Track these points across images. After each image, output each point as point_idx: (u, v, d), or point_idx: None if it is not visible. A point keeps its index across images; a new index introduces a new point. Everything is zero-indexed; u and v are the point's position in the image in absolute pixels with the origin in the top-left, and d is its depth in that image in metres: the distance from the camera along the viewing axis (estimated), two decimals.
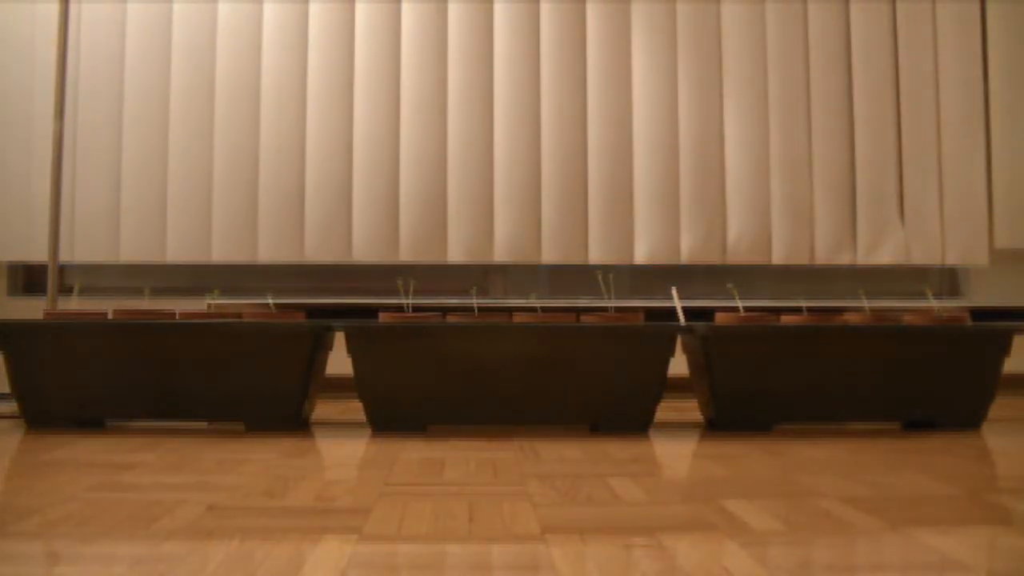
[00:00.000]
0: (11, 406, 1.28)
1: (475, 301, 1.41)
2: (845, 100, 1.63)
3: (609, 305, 1.33)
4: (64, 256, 1.53)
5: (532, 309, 1.36)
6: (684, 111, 1.65)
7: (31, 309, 1.56)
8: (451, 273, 1.73)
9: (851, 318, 1.19)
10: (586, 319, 1.19)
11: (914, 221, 1.61)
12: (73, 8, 1.54)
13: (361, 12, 1.59)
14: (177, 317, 1.14)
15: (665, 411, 1.37)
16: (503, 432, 1.10)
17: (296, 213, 1.64)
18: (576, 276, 1.73)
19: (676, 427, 1.17)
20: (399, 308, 1.32)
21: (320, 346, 1.15)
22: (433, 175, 1.65)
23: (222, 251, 1.60)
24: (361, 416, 1.20)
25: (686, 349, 1.24)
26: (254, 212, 1.62)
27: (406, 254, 1.64)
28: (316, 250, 1.63)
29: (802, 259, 1.65)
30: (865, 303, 1.57)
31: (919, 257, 1.62)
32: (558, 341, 1.12)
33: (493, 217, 1.66)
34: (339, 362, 1.34)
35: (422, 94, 1.61)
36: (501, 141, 1.66)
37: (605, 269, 1.46)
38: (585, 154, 1.66)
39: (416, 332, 1.10)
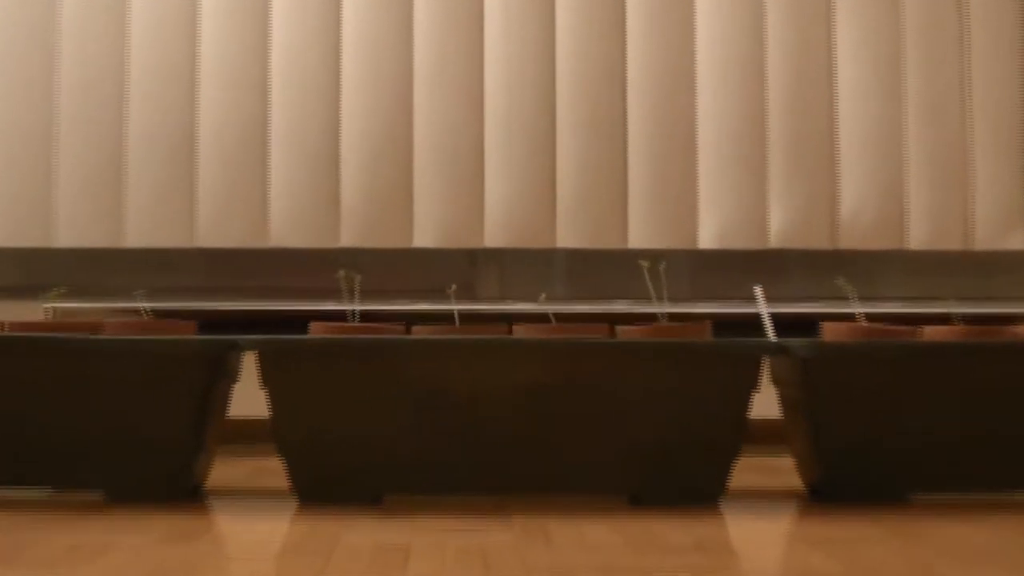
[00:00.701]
0: None
1: (455, 306, 1.36)
2: (1018, 15, 1.66)
3: (659, 312, 1.29)
4: None
5: (542, 317, 1.30)
6: (775, 24, 1.67)
7: None
8: (419, 264, 1.76)
9: None
10: (624, 332, 1.20)
11: None
12: None
13: None
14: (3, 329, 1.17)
15: (744, 472, 1.38)
16: (496, 504, 1.12)
17: (182, 175, 1.67)
18: (609, 268, 1.76)
19: (761, 497, 1.20)
20: (340, 316, 1.28)
21: (220, 374, 1.16)
22: (392, 119, 1.69)
23: (71, 232, 1.63)
24: (282, 479, 1.19)
25: (776, 378, 1.25)
26: (118, 174, 1.66)
27: (350, 236, 1.67)
28: (213, 230, 1.67)
29: (952, 243, 1.67)
30: None
31: None
32: (581, 365, 1.13)
33: (483, 181, 1.69)
34: (249, 398, 1.33)
35: None
36: (495, 65, 1.69)
37: (653, 258, 1.41)
38: (623, 85, 1.69)
39: (365, 352, 1.12)
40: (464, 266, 1.77)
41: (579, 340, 1.14)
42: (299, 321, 1.28)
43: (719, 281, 1.76)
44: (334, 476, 1.11)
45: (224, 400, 1.22)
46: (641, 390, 1.12)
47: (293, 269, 1.75)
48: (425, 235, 1.69)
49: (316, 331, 1.17)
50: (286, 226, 1.67)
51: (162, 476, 1.12)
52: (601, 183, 1.70)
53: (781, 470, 1.41)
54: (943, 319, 1.41)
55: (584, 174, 1.70)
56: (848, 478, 1.14)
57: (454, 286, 1.44)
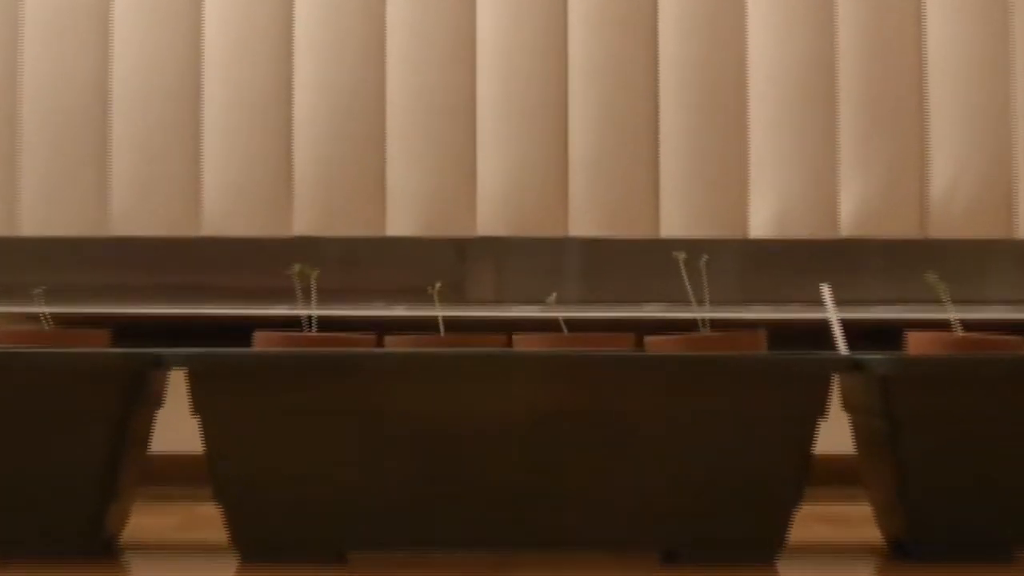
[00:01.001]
0: None
1: (440, 311, 1.34)
2: None
3: (699, 318, 1.29)
4: None
5: (550, 325, 1.31)
6: None
7: None
8: (394, 257, 1.74)
9: None
10: (655, 344, 1.20)
11: None
12: None
13: None
14: None
15: (808, 523, 1.34)
16: (494, 564, 1.11)
17: (91, 147, 1.65)
18: (635, 263, 1.74)
19: (829, 553, 1.20)
20: (293, 324, 1.28)
21: (139, 398, 1.16)
22: (358, 74, 1.67)
23: None
24: (220, 531, 1.17)
25: (849, 403, 1.24)
26: (9, 147, 1.64)
27: (306, 223, 1.66)
28: (131, 215, 1.65)
29: None
30: None
31: None
32: (600, 387, 1.13)
33: (474, 151, 1.67)
34: (178, 428, 1.32)
35: None
36: (490, 1, 1.69)
37: (691, 250, 1.40)
38: (653, 25, 1.68)
39: (325, 370, 1.13)
40: (450, 260, 1.76)
41: (597, 355, 1.15)
42: (241, 330, 1.28)
43: (775, 279, 1.75)
44: (285, 527, 1.11)
45: (145, 431, 1.21)
46: (676, 418, 1.12)
47: (233, 264, 1.74)
48: (401, 221, 1.67)
49: (262, 343, 1.17)
50: (223, 210, 1.67)
51: (65, 528, 1.12)
52: (625, 153, 1.69)
53: (855, 520, 1.41)
54: None
55: (603, 142, 1.69)
56: (942, 530, 1.13)
57: (438, 285, 1.39)
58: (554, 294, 1.43)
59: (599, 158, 1.69)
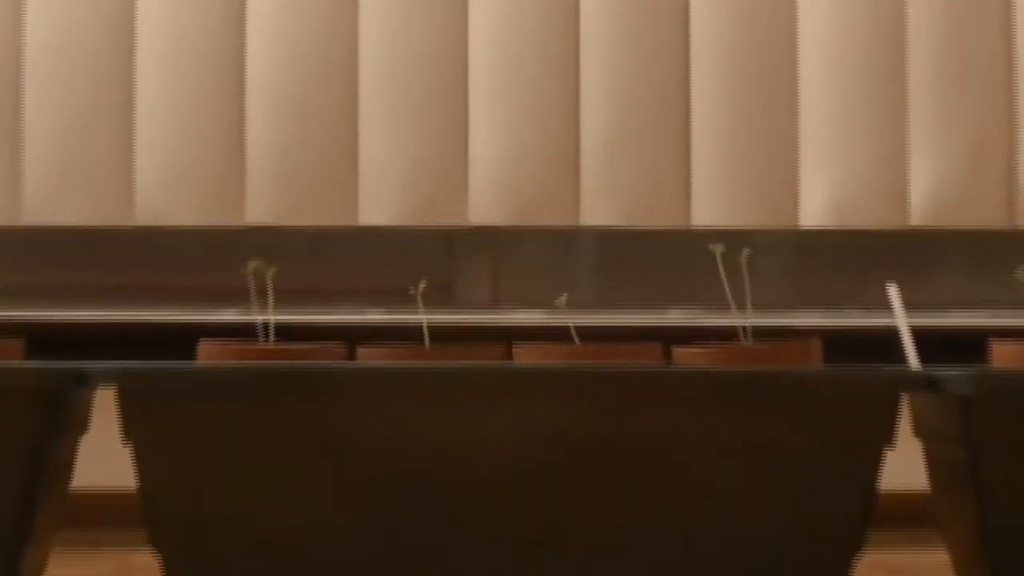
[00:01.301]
0: None
1: (424, 315, 1.34)
2: None
3: (740, 323, 1.30)
4: None
5: (559, 333, 1.31)
6: None
7: None
8: (369, 252, 1.75)
9: None
10: (685, 356, 1.21)
11: None
12: None
13: None
14: None
15: (872, 572, 1.36)
16: None
17: None
18: (662, 258, 1.74)
19: None
20: (247, 331, 1.29)
21: (59, 422, 1.16)
22: (328, 34, 1.68)
23: None
24: None
25: (922, 428, 1.25)
26: None
27: (262, 210, 1.67)
28: (48, 201, 1.67)
29: None
30: None
31: None
32: (622, 410, 1.13)
33: (466, 125, 1.69)
34: (107, 459, 1.32)
35: None
36: None
37: (730, 242, 1.41)
38: None
39: (283, 388, 1.13)
40: (437, 255, 1.77)
41: (618, 371, 1.14)
42: (184, 339, 1.29)
43: (831, 278, 1.75)
44: None
45: (66, 461, 1.21)
46: (712, 448, 1.12)
47: (175, 261, 1.75)
48: (377, 208, 1.69)
49: (208, 355, 1.19)
50: (161, 196, 1.68)
51: None
52: (649, 127, 1.71)
53: (927, 569, 1.42)
54: None
55: (623, 113, 1.70)
56: None
57: (422, 284, 1.39)
58: (564, 296, 1.41)
59: (617, 132, 1.70)
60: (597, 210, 1.71)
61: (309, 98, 1.70)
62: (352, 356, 1.19)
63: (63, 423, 1.15)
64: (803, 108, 1.72)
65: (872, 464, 1.11)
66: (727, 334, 1.24)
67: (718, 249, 1.32)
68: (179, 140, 1.70)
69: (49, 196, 1.69)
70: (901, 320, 1.31)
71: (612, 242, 1.79)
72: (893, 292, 1.33)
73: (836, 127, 1.73)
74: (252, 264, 1.33)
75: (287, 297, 1.40)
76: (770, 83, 1.72)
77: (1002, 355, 1.19)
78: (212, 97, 1.71)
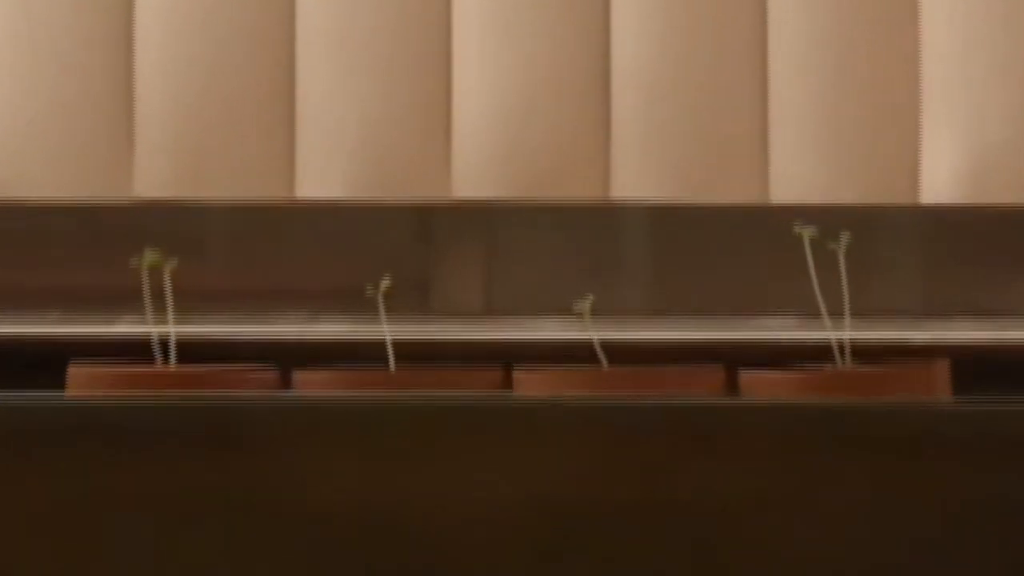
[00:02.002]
0: None
1: (388, 329, 1.39)
2: None
3: (836, 338, 1.33)
4: None
5: (582, 353, 1.33)
6: None
7: None
8: (312, 238, 1.79)
9: None
10: (758, 383, 1.25)
11: None
12: None
13: None
14: None
15: None
16: None
17: None
18: (727, 245, 1.77)
19: None
20: (139, 348, 1.32)
21: None
22: None
23: None
24: None
25: None
26: None
27: (154, 179, 1.69)
28: None
29: None
30: None
31: None
32: (668, 462, 1.15)
33: (448, 59, 1.72)
34: None
35: None
36: None
37: (820, 224, 1.44)
38: None
39: (189, 431, 1.15)
40: (407, 242, 1.80)
41: (661, 405, 1.17)
42: (55, 358, 1.28)
43: (963, 274, 1.78)
44: None
45: None
46: (806, 512, 1.15)
47: (40, 251, 1.77)
48: (321, 175, 1.72)
49: (81, 382, 1.22)
50: (18, 161, 1.70)
51: None
52: (705, 66, 1.74)
53: None
54: None
55: (671, 37, 1.73)
56: None
57: (385, 282, 1.44)
58: (588, 299, 1.43)
59: (663, 64, 1.70)
60: (631, 179, 1.70)
61: (224, 22, 1.70)
62: (286, 384, 1.23)
63: None
64: (926, 50, 1.72)
65: None
66: (819, 353, 1.28)
67: (807, 233, 1.35)
68: (38, 90, 1.71)
69: None
70: None
71: (654, 224, 1.79)
72: None
73: (969, 78, 1.71)
74: (146, 256, 1.35)
75: (196, 301, 1.43)
76: (885, 23, 1.74)
77: None
78: (84, 18, 1.71)
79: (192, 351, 1.30)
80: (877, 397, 1.22)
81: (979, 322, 1.75)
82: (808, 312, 1.33)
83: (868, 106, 1.74)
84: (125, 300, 1.41)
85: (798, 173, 1.74)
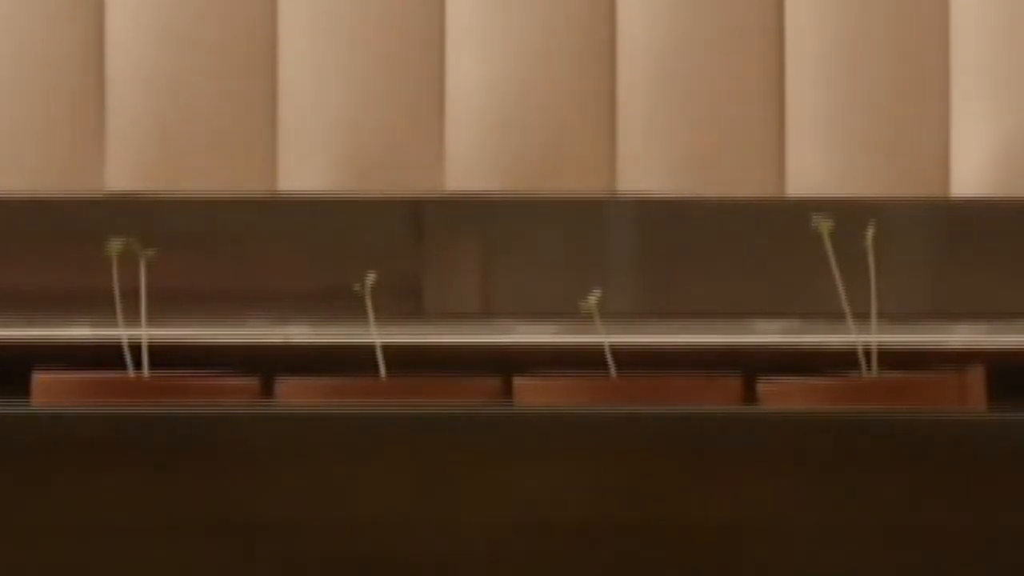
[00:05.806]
0: None
1: (378, 331, 1.40)
2: None
3: (862, 342, 1.33)
4: None
5: (589, 358, 1.35)
6: None
7: None
8: (295, 234, 1.80)
9: None
10: (778, 392, 1.24)
11: None
12: None
13: None
14: None
15: None
16: None
17: None
18: (743, 242, 1.78)
19: None
20: (110, 355, 1.32)
21: None
22: None
23: None
24: None
25: None
26: None
27: (127, 171, 1.71)
28: None
29: None
30: None
31: None
32: (683, 478, 1.15)
33: (441, 29, 1.73)
34: None
35: None
36: None
37: (843, 219, 1.45)
38: None
39: (161, 444, 1.15)
40: (398, 238, 1.81)
41: (676, 414, 1.17)
42: (18, 363, 1.30)
43: (996, 274, 1.77)
44: None
45: None
46: (829, 535, 1.15)
47: (4, 248, 1.77)
48: (305, 167, 1.73)
49: (46, 390, 1.22)
50: None
51: None
52: (722, 49, 1.73)
53: None
54: None
55: (682, 30, 1.73)
56: None
57: (371, 278, 1.44)
58: (595, 295, 1.45)
59: (676, 45, 1.72)
60: (642, 171, 1.73)
61: (202, 4, 1.72)
62: (268, 393, 1.22)
63: None
64: (955, 30, 1.74)
65: None
66: (843, 359, 1.25)
67: (825, 227, 1.35)
68: (7, 75, 1.72)
69: None
70: None
71: (664, 219, 1.80)
72: None
73: (1000, 64, 1.74)
74: (115, 244, 1.35)
75: (172, 303, 1.43)
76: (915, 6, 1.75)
77: None
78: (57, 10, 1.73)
79: (165, 355, 1.29)
80: (909, 406, 1.21)
81: (1013, 323, 1.76)
82: (831, 315, 1.31)
83: (893, 87, 1.76)
84: (93, 301, 1.44)
85: (816, 165, 1.76)
